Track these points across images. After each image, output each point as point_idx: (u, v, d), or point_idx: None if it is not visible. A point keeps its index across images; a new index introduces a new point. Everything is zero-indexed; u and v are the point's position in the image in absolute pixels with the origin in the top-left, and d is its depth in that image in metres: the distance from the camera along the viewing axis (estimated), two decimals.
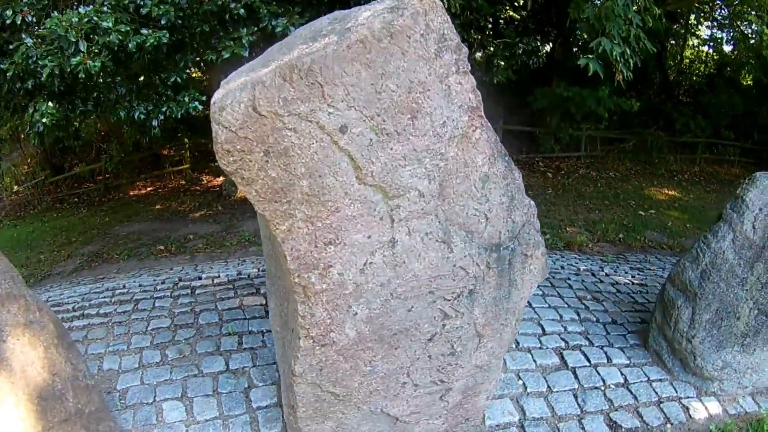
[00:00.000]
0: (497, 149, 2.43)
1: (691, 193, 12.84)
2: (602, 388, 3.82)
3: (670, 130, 15.34)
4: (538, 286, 5.12)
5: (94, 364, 3.75)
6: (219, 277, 5.45)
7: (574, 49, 13.31)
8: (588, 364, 4.07)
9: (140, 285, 5.46)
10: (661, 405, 3.61)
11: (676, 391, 3.73)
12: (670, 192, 12.41)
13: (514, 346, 4.12)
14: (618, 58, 6.44)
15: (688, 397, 3.70)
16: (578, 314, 4.81)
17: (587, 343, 4.39)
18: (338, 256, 2.24)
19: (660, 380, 3.87)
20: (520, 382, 3.79)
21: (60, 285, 6.52)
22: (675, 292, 3.95)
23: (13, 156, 11.30)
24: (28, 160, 10.80)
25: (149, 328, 4.39)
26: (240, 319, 4.40)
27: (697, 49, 20.68)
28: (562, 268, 6.08)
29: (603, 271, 6.32)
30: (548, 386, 3.77)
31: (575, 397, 3.71)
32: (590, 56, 6.45)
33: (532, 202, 2.67)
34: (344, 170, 2.09)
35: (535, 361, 4.02)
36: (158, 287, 5.25)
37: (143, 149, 10.67)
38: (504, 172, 2.46)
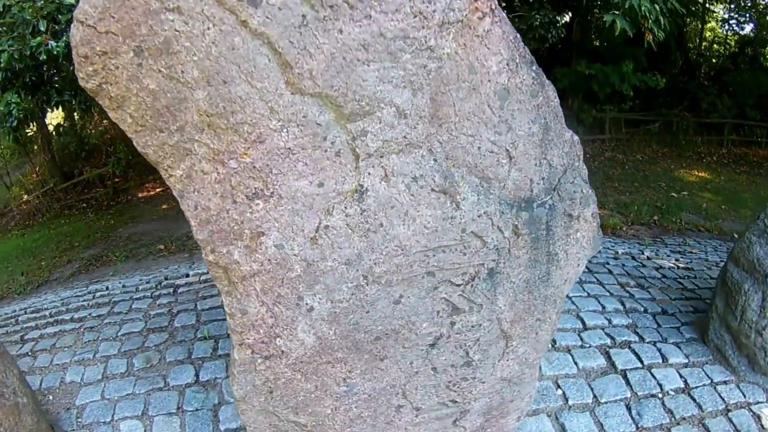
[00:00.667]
0: (519, 52, 1.48)
1: (722, 175, 11.64)
2: (659, 395, 2.89)
3: (695, 110, 13.98)
4: None
5: (57, 376, 3.11)
6: (207, 273, 4.63)
7: (594, 35, 12.17)
8: (640, 365, 3.15)
9: (123, 286, 4.68)
10: (730, 414, 2.82)
11: (744, 396, 2.93)
12: (700, 174, 11.22)
13: (550, 345, 3.15)
14: (647, 15, 5.39)
15: (758, 402, 2.90)
16: (623, 304, 3.83)
17: (637, 338, 3.45)
18: (272, 217, 1.33)
19: (725, 382, 3.06)
20: (560, 392, 2.83)
21: (54, 290, 5.83)
22: (740, 274, 3.06)
23: (24, 167, 10.83)
24: (37, 169, 10.29)
25: (120, 333, 3.62)
26: (219, 319, 3.55)
27: (714, 32, 19.16)
28: (599, 251, 5.06)
29: (643, 254, 5.28)
30: (594, 396, 2.83)
31: (628, 408, 2.77)
32: (616, 12, 5.42)
33: (576, 137, 1.72)
34: (264, 70, 1.18)
35: (576, 363, 3.06)
36: (140, 287, 4.45)
37: None
38: (532, 87, 1.51)
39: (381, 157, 1.33)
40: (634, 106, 12.94)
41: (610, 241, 5.76)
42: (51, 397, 2.93)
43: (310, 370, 1.56)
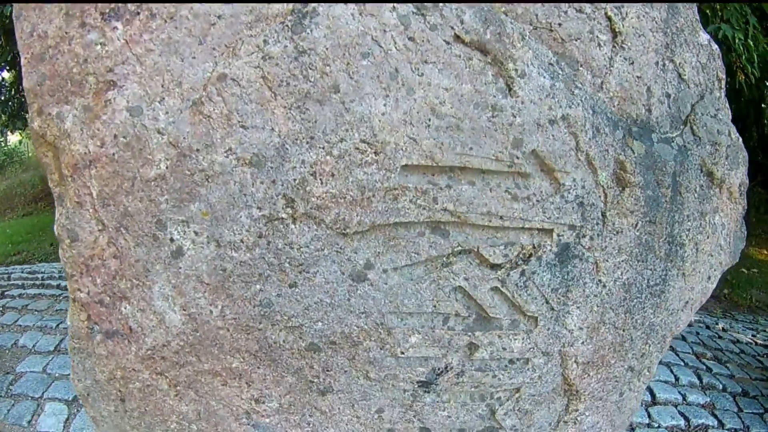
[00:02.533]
0: None
1: None
2: None
3: None
4: None
5: (13, 337, 2.73)
6: None
7: None
8: None
9: None
10: None
11: None
12: None
13: None
14: (740, 49, 4.46)
15: None
16: (699, 378, 2.81)
17: (715, 423, 2.44)
18: (133, 55, 0.57)
19: None
20: None
21: None
22: None
23: None
24: None
25: None
26: None
27: None
28: None
29: (718, 325, 4.21)
30: None
31: None
32: None
33: (715, 47, 0.88)
34: None
35: None
36: None
37: None
38: None
39: None
40: None
41: None
42: None
43: (182, 378, 0.74)
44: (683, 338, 3.29)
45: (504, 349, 0.74)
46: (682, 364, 2.84)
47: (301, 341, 0.69)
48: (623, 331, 0.82)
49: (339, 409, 0.76)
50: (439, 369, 0.74)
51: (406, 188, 0.64)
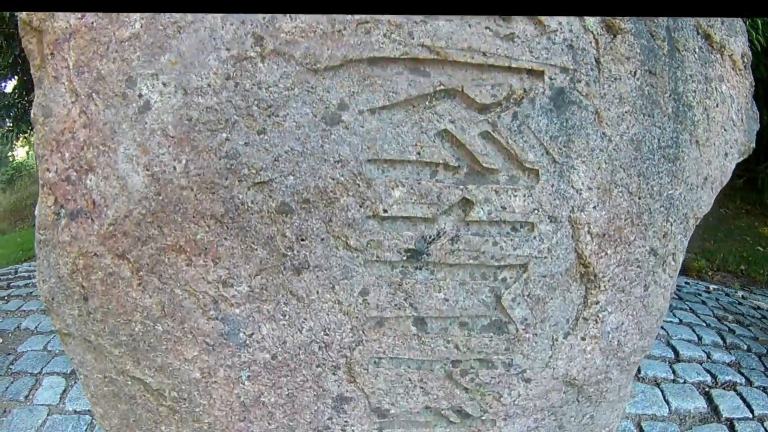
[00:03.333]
0: None
1: None
2: None
3: None
4: None
5: (16, 321, 2.80)
6: None
7: None
8: (750, 414, 2.05)
9: None
10: None
11: None
12: None
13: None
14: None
15: None
16: (723, 338, 2.69)
17: (743, 380, 2.35)
18: None
19: None
20: None
21: None
22: None
23: None
24: None
25: None
26: None
27: None
28: (687, 284, 3.93)
29: (738, 293, 4.07)
30: None
31: None
32: None
33: None
34: None
35: (668, 402, 1.99)
36: None
37: None
38: None
39: None
40: None
41: (696, 281, 4.60)
42: (1, 340, 2.64)
43: (144, 260, 0.65)
44: (703, 302, 3.17)
45: (504, 208, 0.66)
46: (704, 325, 2.72)
47: (271, 201, 0.62)
48: (639, 198, 0.74)
49: (317, 292, 0.68)
50: (429, 236, 0.66)
51: (378, 21, 0.58)
